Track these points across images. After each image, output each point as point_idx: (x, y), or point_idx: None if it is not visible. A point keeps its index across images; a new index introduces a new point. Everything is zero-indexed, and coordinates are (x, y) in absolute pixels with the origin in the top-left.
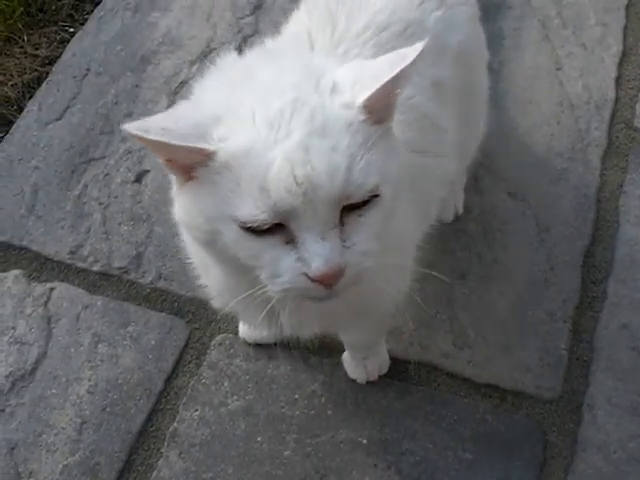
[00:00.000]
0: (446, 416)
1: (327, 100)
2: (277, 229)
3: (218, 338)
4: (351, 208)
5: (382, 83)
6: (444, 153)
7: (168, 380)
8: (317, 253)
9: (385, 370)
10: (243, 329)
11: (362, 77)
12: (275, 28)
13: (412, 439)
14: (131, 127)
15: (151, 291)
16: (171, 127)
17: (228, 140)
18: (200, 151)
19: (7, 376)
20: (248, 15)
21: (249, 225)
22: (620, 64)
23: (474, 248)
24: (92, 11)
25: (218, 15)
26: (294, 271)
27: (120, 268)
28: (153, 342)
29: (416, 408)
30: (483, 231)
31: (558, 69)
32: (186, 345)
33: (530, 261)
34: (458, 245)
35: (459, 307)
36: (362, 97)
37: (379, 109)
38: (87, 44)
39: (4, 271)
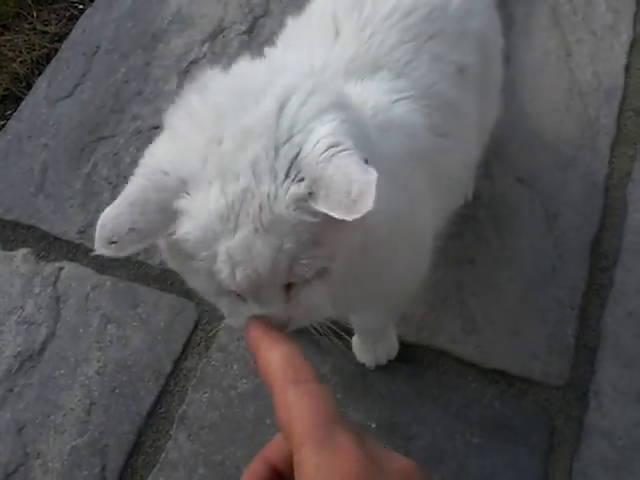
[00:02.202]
0: (454, 401)
1: (280, 190)
2: None
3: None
4: None
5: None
6: (467, 137)
7: (177, 362)
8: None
9: (394, 355)
10: None
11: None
12: (285, 9)
13: (420, 423)
14: (101, 248)
15: (161, 272)
16: (140, 226)
17: (184, 222)
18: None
19: (15, 356)
20: None
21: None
22: (630, 52)
23: (483, 233)
24: None
25: None
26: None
27: None
28: (162, 323)
29: (424, 392)
30: (492, 217)
31: (568, 55)
32: (195, 327)
33: (538, 247)
34: (467, 230)
35: (468, 292)
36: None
37: None
38: (97, 21)
39: (12, 250)
